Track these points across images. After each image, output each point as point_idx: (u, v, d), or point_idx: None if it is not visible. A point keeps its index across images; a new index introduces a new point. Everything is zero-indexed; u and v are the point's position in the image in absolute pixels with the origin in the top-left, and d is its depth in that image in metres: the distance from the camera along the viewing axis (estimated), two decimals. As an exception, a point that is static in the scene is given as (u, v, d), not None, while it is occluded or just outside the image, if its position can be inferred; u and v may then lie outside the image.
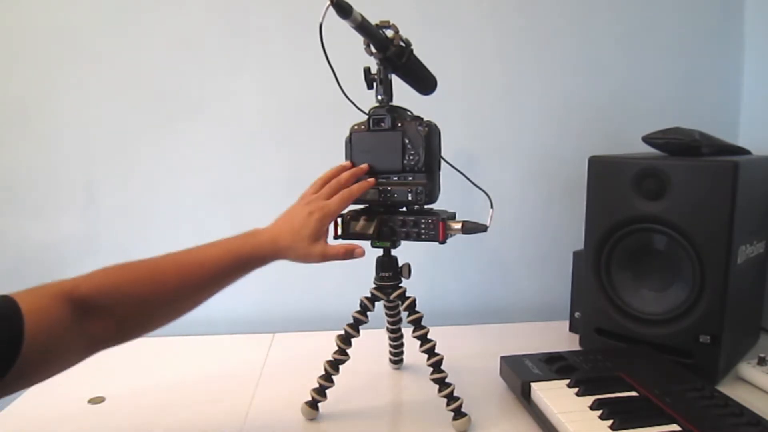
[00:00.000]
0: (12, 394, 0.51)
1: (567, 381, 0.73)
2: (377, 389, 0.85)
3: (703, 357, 0.80)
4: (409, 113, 0.75)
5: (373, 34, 0.68)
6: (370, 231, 0.74)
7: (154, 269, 0.62)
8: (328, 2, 0.62)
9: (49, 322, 0.52)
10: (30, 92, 1.05)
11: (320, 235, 0.68)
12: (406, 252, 0.76)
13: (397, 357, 0.90)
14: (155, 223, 1.10)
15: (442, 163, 0.75)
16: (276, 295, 1.14)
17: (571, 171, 1.10)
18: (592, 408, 0.66)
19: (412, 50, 0.72)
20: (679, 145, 0.85)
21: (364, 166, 0.74)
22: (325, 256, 0.67)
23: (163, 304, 0.62)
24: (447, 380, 0.73)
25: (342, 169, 0.73)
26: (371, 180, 0.73)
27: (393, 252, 0.77)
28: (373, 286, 0.77)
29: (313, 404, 0.75)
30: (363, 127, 0.74)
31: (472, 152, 1.13)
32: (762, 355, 0.84)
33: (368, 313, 0.76)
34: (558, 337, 1.03)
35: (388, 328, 0.86)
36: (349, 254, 0.68)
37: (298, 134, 1.10)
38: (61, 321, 0.52)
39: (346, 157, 0.76)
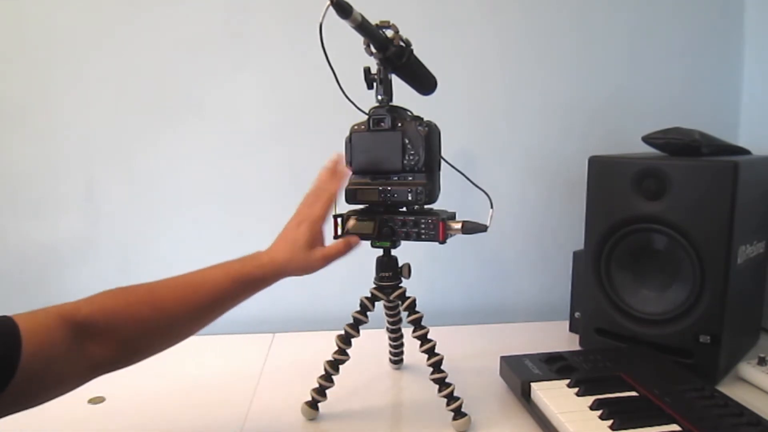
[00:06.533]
0: (10, 415, 0.51)
1: (567, 381, 0.73)
2: (377, 389, 0.85)
3: (703, 357, 0.80)
4: (409, 113, 0.75)
5: (373, 34, 0.68)
6: (370, 231, 0.74)
7: (153, 293, 0.62)
8: (328, 2, 0.62)
9: (49, 344, 0.52)
10: (30, 92, 1.05)
11: (315, 242, 0.68)
12: (406, 252, 0.76)
13: (397, 357, 0.90)
14: (155, 222, 1.10)
15: (442, 163, 0.75)
16: (276, 295, 1.13)
17: (571, 171, 1.10)
18: (592, 408, 0.66)
19: (412, 50, 0.72)
20: (679, 145, 0.85)
21: (339, 155, 0.73)
22: (327, 259, 0.68)
23: (164, 328, 0.61)
24: (447, 380, 0.73)
25: (325, 172, 0.72)
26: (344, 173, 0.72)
27: (393, 252, 0.77)
28: (373, 286, 0.77)
29: (313, 404, 0.75)
30: (363, 127, 0.74)
31: (472, 152, 1.13)
32: (762, 355, 0.84)
33: (368, 313, 0.76)
34: (558, 337, 1.03)
35: (388, 328, 0.86)
36: (348, 247, 0.69)
37: (299, 134, 1.10)
38: (61, 343, 0.52)
39: (346, 157, 0.76)
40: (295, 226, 0.68)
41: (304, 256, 0.66)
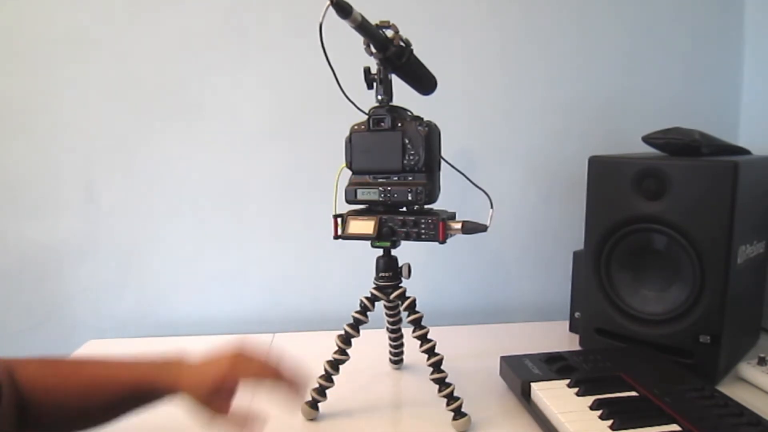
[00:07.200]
0: None
1: (567, 381, 0.73)
2: (377, 389, 0.85)
3: (703, 357, 0.80)
4: (409, 113, 0.75)
5: (373, 34, 0.68)
6: (370, 231, 0.74)
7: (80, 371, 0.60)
8: (328, 2, 0.62)
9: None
10: (30, 92, 1.05)
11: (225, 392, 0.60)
12: (406, 252, 0.76)
13: (397, 357, 0.90)
14: (155, 222, 1.10)
15: (442, 163, 0.75)
16: (276, 295, 1.14)
17: (572, 171, 1.10)
18: (592, 408, 0.67)
19: (412, 50, 0.72)
20: (679, 145, 0.85)
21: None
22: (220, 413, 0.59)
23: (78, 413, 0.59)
24: (447, 380, 0.73)
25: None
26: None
27: (393, 252, 0.77)
28: (373, 286, 0.77)
29: (313, 404, 0.75)
30: (363, 127, 0.74)
31: (472, 152, 1.13)
32: (762, 355, 0.84)
33: (368, 313, 0.76)
34: (558, 337, 1.03)
35: (388, 328, 0.86)
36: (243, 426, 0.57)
37: (299, 134, 1.10)
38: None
39: (347, 157, 0.76)
40: (218, 369, 0.61)
41: (206, 398, 0.60)
